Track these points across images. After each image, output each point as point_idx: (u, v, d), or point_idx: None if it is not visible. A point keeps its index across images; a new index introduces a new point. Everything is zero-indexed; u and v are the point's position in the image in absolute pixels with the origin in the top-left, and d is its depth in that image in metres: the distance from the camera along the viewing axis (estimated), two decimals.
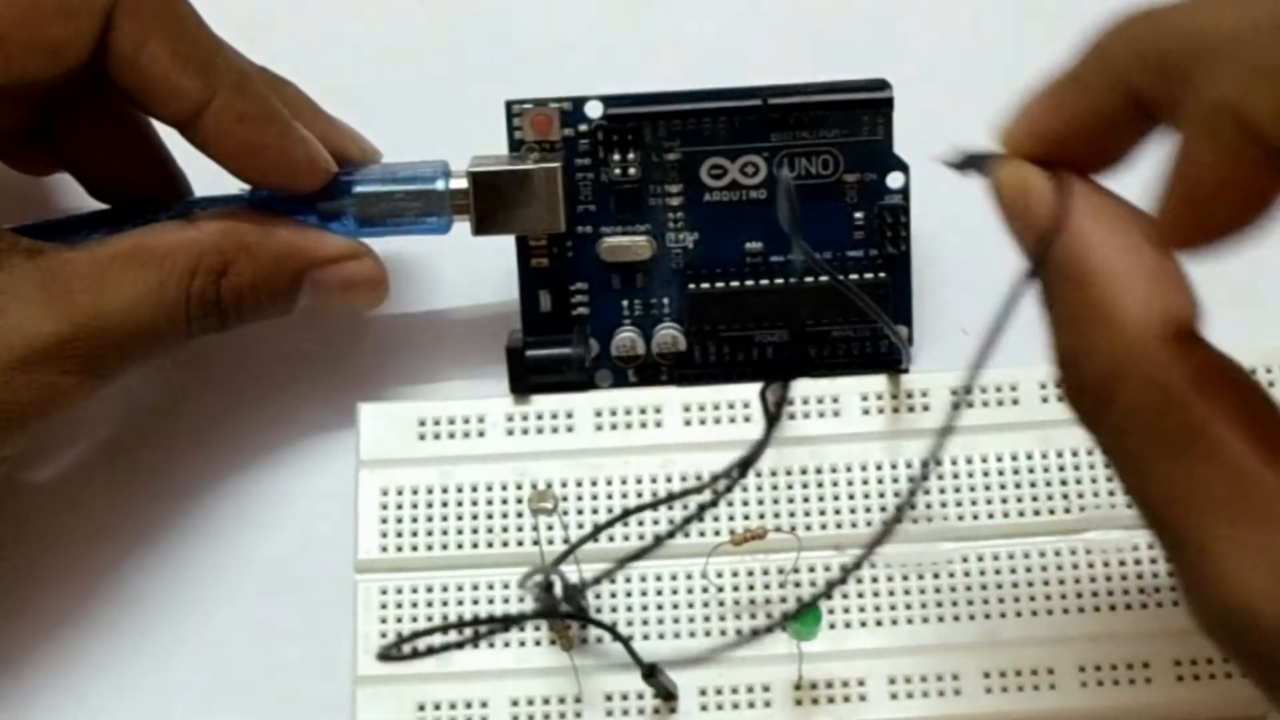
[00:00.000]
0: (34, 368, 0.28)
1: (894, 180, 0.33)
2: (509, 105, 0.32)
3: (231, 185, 0.32)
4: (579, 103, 0.33)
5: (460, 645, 0.28)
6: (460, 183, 0.32)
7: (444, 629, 0.28)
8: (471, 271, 0.35)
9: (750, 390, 0.32)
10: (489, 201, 0.32)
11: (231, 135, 0.30)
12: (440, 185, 0.32)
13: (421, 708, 0.30)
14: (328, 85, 0.33)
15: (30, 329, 0.28)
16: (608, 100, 0.33)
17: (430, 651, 0.27)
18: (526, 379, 0.32)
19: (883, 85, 0.32)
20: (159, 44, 0.29)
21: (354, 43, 0.37)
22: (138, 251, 0.30)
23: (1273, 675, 0.21)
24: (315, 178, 0.31)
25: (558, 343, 0.33)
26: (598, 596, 0.30)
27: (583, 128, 0.33)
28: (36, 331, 0.28)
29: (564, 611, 0.29)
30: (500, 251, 0.34)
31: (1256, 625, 0.20)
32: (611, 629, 0.29)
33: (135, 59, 0.29)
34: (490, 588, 0.31)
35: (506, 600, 0.31)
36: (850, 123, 0.32)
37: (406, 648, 0.28)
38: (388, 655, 0.28)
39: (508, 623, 0.29)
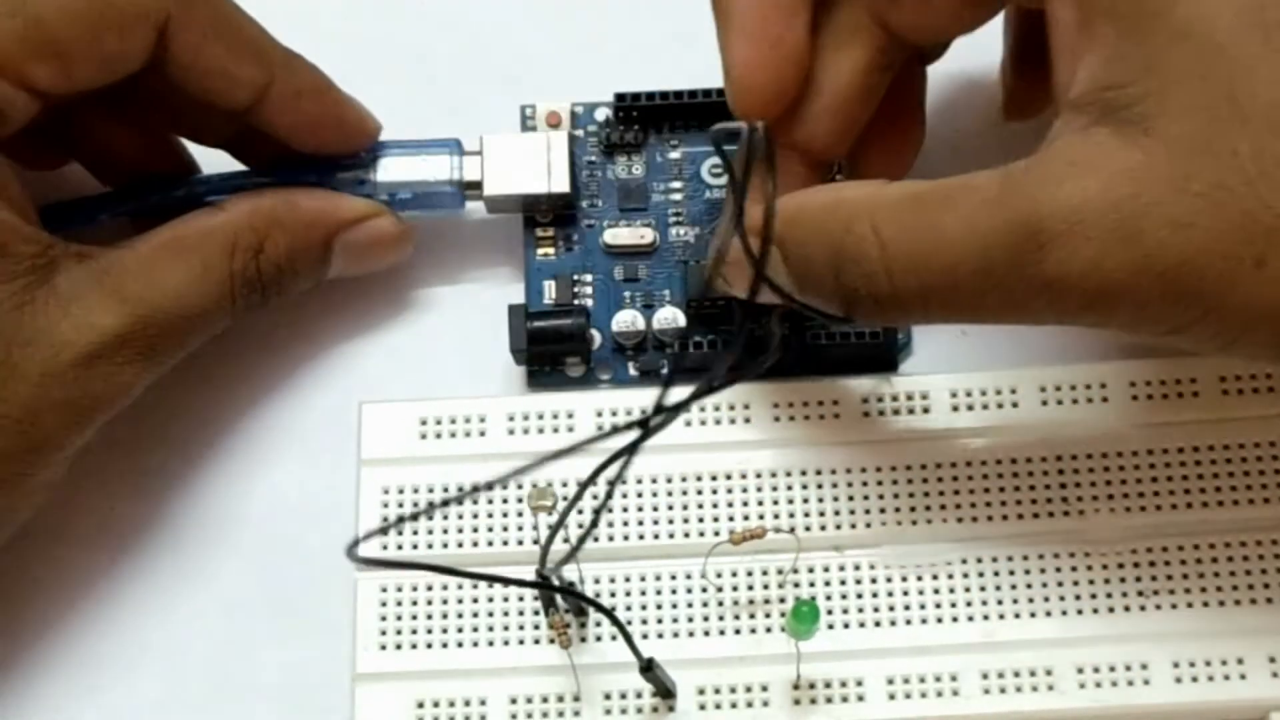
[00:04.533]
0: (100, 361, 0.29)
1: None
2: (524, 110, 0.34)
3: (233, 163, 0.33)
4: (590, 108, 0.34)
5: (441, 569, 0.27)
6: (474, 159, 0.33)
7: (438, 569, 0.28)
8: (474, 264, 0.35)
9: (750, 392, 0.32)
10: (499, 166, 0.33)
11: (293, 111, 0.31)
12: (453, 159, 0.33)
13: (420, 705, 0.30)
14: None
15: (94, 324, 0.29)
16: (615, 98, 0.34)
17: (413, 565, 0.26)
18: (526, 344, 0.32)
19: None
20: (214, 44, 0.30)
21: (364, 47, 0.36)
22: (177, 240, 0.31)
23: None
24: (368, 136, 0.33)
25: (560, 315, 0.33)
26: (597, 595, 0.30)
27: (591, 127, 0.34)
28: (100, 326, 0.29)
29: (558, 586, 0.29)
30: (503, 245, 0.34)
31: None
32: (609, 612, 0.29)
33: (195, 63, 0.30)
34: (490, 587, 0.30)
35: (506, 599, 0.30)
36: None
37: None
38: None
39: (506, 582, 0.29)
